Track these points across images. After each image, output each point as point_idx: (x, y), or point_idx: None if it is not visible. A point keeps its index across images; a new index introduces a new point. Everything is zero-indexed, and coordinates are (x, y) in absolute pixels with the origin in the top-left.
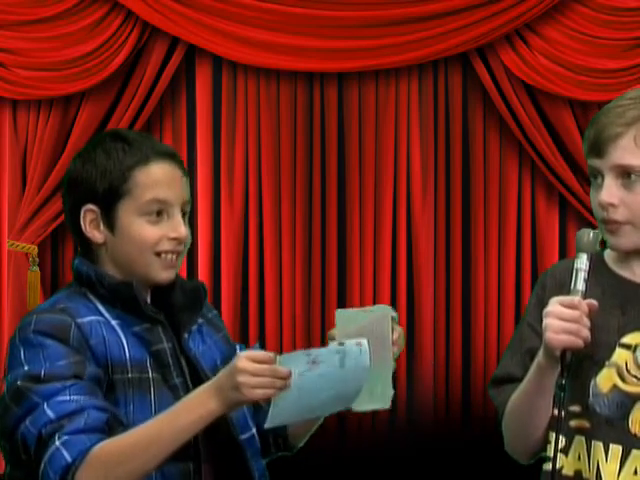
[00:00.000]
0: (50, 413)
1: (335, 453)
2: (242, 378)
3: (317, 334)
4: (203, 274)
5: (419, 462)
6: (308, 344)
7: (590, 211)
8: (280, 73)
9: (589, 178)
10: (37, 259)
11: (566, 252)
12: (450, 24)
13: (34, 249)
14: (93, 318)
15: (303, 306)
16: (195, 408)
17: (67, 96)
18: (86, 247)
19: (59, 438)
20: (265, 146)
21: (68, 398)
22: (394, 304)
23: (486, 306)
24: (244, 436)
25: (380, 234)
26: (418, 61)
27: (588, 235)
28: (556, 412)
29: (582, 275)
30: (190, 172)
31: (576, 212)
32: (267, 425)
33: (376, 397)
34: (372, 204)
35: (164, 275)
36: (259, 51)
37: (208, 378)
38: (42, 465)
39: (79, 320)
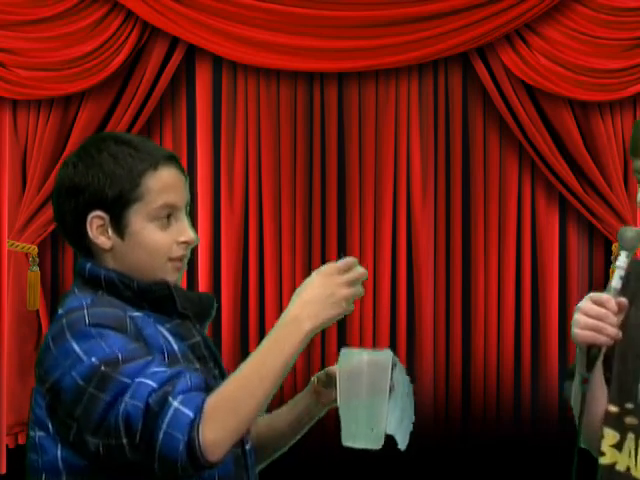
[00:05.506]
0: (151, 383)
1: (335, 453)
2: (338, 289)
3: (317, 335)
4: (203, 274)
5: (419, 462)
6: (308, 346)
7: (590, 211)
8: (280, 73)
9: (588, 178)
10: (37, 259)
11: (566, 252)
12: (450, 24)
13: (34, 249)
14: (137, 313)
15: None
16: (291, 334)
17: (67, 96)
18: (86, 251)
19: (174, 398)
20: (265, 146)
21: (158, 369)
22: (394, 304)
23: (486, 306)
24: (247, 446)
25: (380, 234)
26: (418, 61)
27: (630, 232)
28: (611, 407)
29: (619, 272)
30: (190, 172)
31: (576, 212)
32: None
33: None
34: (372, 204)
35: (172, 278)
36: (259, 51)
37: (224, 368)
38: (160, 434)
39: (129, 313)
